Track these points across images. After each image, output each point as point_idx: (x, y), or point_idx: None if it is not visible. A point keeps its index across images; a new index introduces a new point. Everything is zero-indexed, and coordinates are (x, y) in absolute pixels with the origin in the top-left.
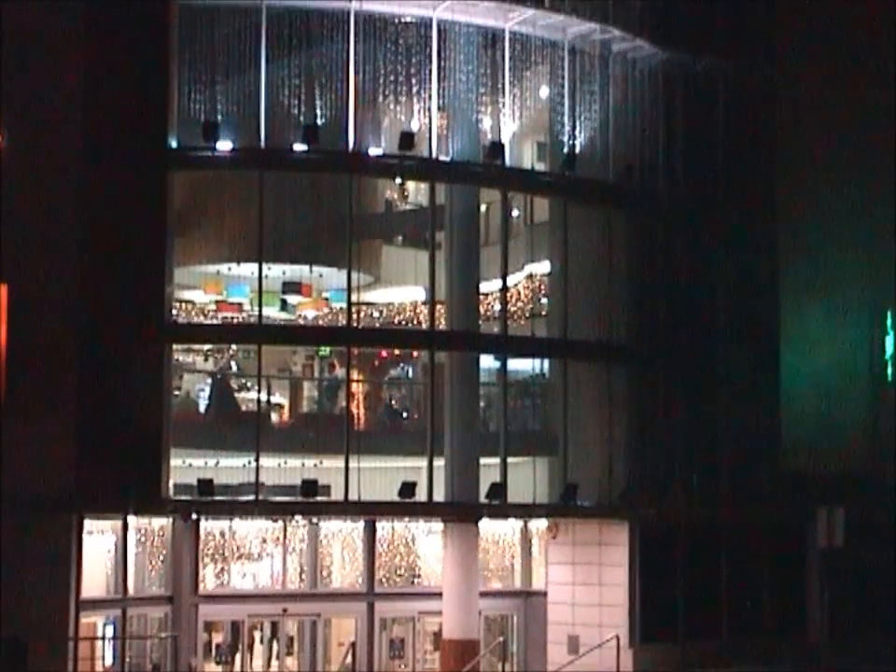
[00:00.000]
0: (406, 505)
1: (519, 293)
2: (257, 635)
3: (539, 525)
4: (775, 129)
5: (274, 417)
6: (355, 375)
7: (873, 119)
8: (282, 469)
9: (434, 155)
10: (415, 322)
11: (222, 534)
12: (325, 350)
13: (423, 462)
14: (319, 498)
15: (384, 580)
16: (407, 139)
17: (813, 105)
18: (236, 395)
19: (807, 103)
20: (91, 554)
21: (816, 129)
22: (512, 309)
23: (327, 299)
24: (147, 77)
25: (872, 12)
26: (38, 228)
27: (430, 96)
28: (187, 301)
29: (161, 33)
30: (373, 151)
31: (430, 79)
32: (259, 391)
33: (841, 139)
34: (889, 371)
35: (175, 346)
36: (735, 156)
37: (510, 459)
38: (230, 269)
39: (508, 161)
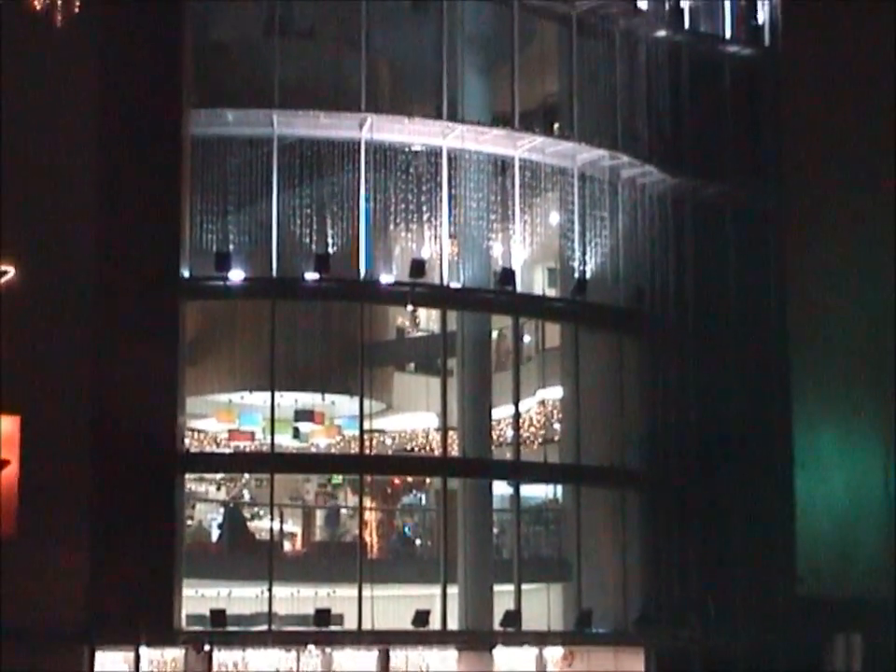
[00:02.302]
0: (420, 634)
1: (531, 419)
2: None
3: (554, 652)
4: (784, 251)
5: (287, 546)
6: (367, 503)
7: (883, 238)
8: (295, 598)
9: (445, 282)
10: (428, 449)
11: (235, 664)
12: (338, 478)
13: (436, 590)
14: (333, 628)
15: None
16: (418, 267)
17: (822, 226)
18: (249, 524)
19: (816, 223)
20: None
21: (825, 250)
22: (525, 435)
23: (339, 426)
24: (160, 207)
25: (878, 134)
26: (52, 359)
27: (441, 224)
28: (199, 431)
29: (173, 164)
30: (385, 279)
31: (441, 207)
32: (271, 520)
33: (850, 261)
34: None
35: (187, 476)
36: (746, 279)
37: (524, 586)
38: (242, 398)
39: (519, 288)
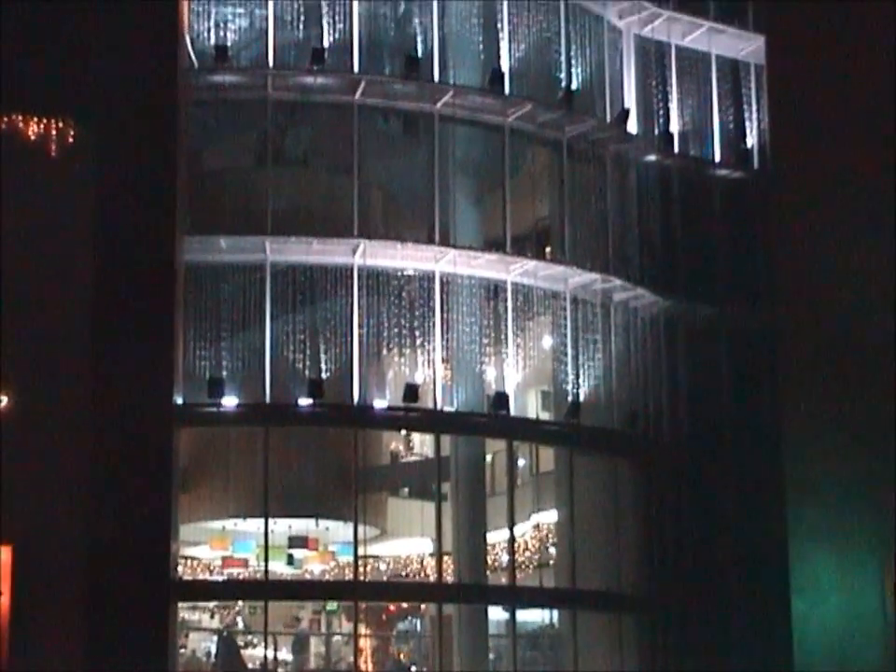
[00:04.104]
0: None
1: (526, 543)
2: None
3: None
4: (778, 371)
5: None
6: (362, 630)
7: (878, 357)
8: None
9: (439, 406)
10: (423, 574)
11: None
12: (332, 605)
13: None
14: None
15: None
16: (412, 391)
17: (816, 346)
18: (242, 652)
19: (810, 344)
20: None
21: (819, 371)
22: (520, 559)
23: (333, 552)
24: (153, 334)
25: (872, 255)
26: (46, 488)
27: (434, 348)
28: (192, 558)
29: (167, 290)
30: (378, 404)
31: (434, 331)
32: (265, 648)
33: (845, 382)
34: None
35: (180, 604)
36: (740, 401)
37: None
38: (235, 524)
39: (512, 411)
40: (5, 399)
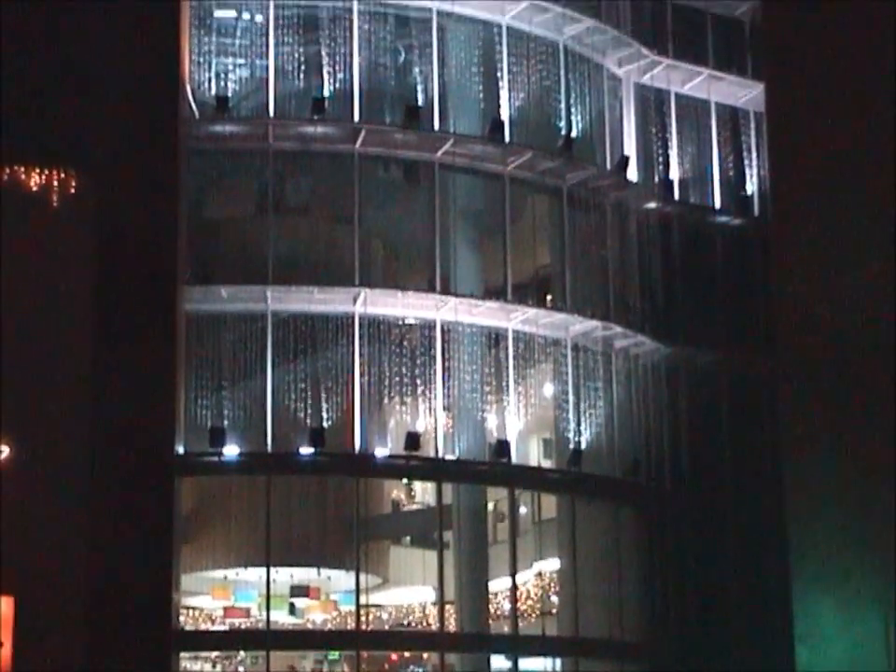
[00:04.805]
0: None
1: (529, 591)
2: None
3: None
4: (778, 417)
5: None
6: None
7: (879, 399)
8: None
9: (440, 455)
10: (425, 623)
11: None
12: (334, 654)
13: None
14: None
15: None
16: (413, 439)
17: (816, 391)
18: None
19: (811, 389)
20: None
21: (820, 416)
22: (522, 607)
23: (335, 601)
24: (155, 383)
25: (871, 304)
26: (47, 540)
27: (435, 396)
28: (194, 608)
29: (168, 340)
30: (380, 452)
31: (435, 379)
32: None
33: (847, 426)
34: None
35: (182, 654)
36: (741, 447)
37: None
38: (237, 574)
39: (514, 459)
40: (6, 450)
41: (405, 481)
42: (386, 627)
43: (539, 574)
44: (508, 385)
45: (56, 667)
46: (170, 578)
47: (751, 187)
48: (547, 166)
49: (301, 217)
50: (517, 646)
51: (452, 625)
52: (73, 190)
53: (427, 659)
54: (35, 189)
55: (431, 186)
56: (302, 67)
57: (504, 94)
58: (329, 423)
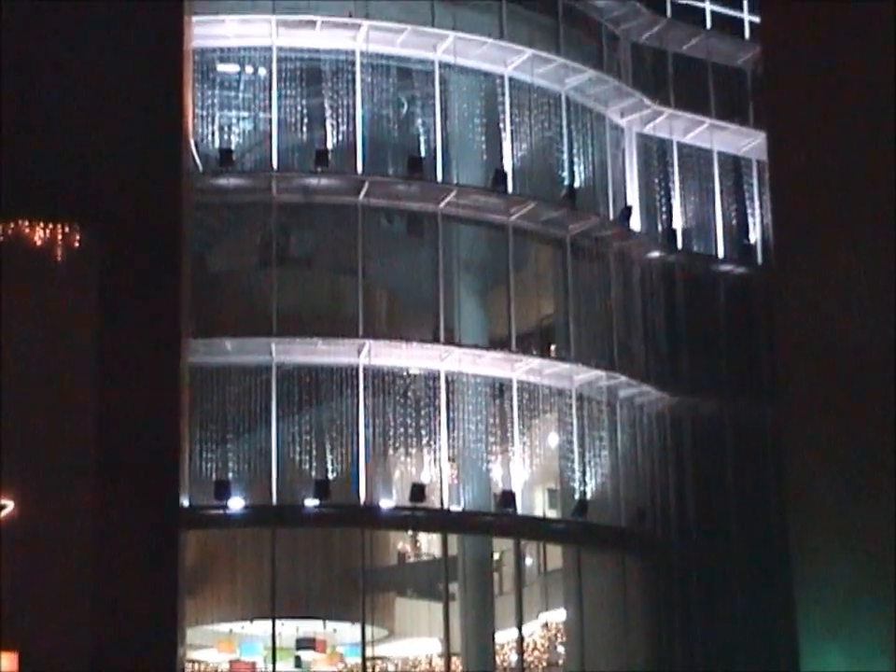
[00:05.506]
0: None
1: (535, 643)
2: None
3: None
4: (784, 467)
5: None
6: None
7: (881, 453)
8: None
9: (445, 506)
10: None
11: None
12: None
13: None
14: None
15: None
16: (418, 491)
17: (821, 440)
18: None
19: (815, 438)
20: None
21: (824, 463)
22: (529, 659)
23: (341, 654)
24: (160, 437)
25: (873, 349)
26: (50, 595)
27: (440, 447)
28: (199, 662)
29: (173, 393)
30: (385, 504)
31: (440, 430)
32: None
33: (852, 472)
34: None
35: None
36: (747, 496)
37: None
38: (243, 627)
39: (519, 510)
40: (10, 505)
41: (410, 532)
42: None
43: (546, 625)
44: (512, 436)
45: None
46: (174, 631)
47: (754, 235)
48: (550, 216)
49: (305, 269)
50: None
51: None
52: (77, 244)
53: None
54: (38, 243)
55: (435, 237)
56: (305, 120)
57: (507, 145)
58: (334, 475)
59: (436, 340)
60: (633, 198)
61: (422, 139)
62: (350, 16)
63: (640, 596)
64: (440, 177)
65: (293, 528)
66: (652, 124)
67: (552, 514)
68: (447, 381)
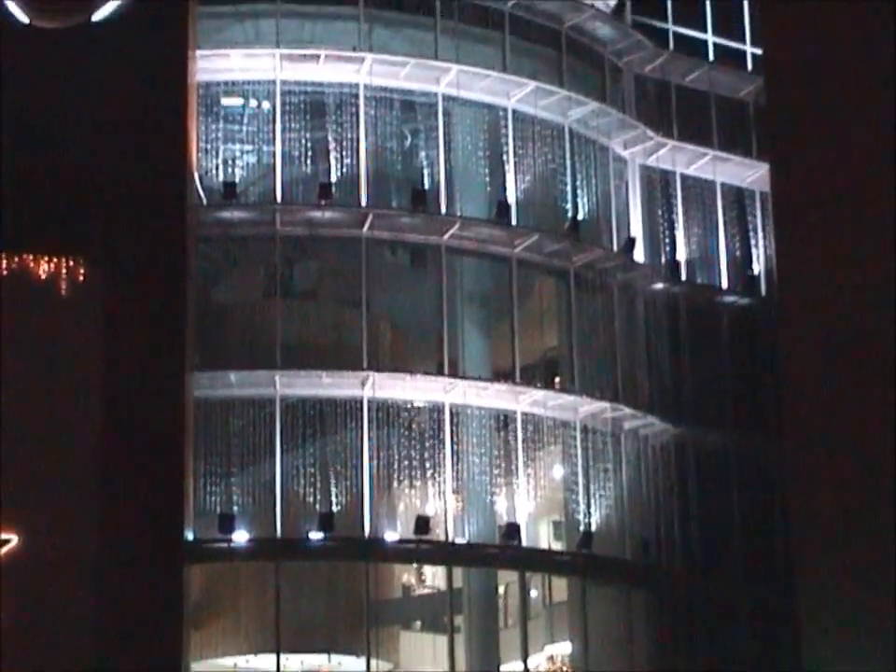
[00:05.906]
0: None
1: None
2: None
3: None
4: (788, 497)
5: None
6: None
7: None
8: None
9: (450, 538)
10: None
11: None
12: None
13: None
14: None
15: None
16: (423, 523)
17: (827, 476)
18: None
19: (820, 472)
20: None
21: (831, 494)
22: None
23: None
24: (163, 469)
25: (876, 378)
26: (53, 627)
27: (445, 479)
28: None
29: (176, 426)
30: (389, 537)
31: (444, 463)
32: None
33: (859, 510)
34: None
35: None
36: (751, 526)
37: None
38: (247, 661)
39: (524, 542)
40: (13, 540)
41: (415, 565)
42: None
43: (551, 658)
44: (517, 468)
45: None
46: (179, 666)
47: (758, 266)
48: (554, 248)
49: (309, 302)
50: None
51: None
52: (81, 278)
53: None
54: (43, 276)
55: (438, 269)
56: (309, 153)
57: (510, 177)
58: (339, 507)
59: (440, 372)
60: (636, 229)
61: (425, 171)
62: (354, 49)
63: (645, 627)
64: (443, 210)
65: (297, 561)
66: (656, 156)
67: (556, 546)
68: (451, 413)
